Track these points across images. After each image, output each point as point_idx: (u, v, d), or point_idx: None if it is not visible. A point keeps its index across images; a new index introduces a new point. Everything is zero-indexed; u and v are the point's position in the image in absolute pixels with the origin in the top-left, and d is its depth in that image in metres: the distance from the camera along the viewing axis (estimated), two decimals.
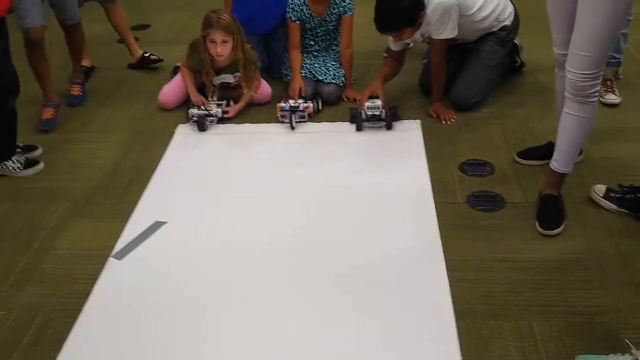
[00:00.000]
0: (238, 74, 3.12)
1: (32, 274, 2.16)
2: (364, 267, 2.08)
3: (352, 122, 2.94)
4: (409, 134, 2.87)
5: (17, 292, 2.08)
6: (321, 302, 1.95)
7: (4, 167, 2.71)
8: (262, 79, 3.23)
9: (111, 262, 2.17)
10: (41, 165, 2.78)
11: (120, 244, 2.25)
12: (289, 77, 3.26)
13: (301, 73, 3.19)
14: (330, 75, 3.19)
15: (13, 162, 2.72)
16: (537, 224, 2.21)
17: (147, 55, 3.71)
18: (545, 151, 2.40)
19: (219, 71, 3.13)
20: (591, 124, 2.18)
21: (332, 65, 3.23)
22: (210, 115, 3.02)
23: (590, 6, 1.93)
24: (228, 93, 3.17)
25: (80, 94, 3.35)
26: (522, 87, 3.23)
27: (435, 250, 2.13)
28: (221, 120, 3.05)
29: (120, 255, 2.19)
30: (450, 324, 1.83)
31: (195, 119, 2.99)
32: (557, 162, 2.25)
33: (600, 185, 2.30)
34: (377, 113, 2.87)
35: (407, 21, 2.73)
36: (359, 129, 2.89)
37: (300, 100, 3.01)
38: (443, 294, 1.94)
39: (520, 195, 2.40)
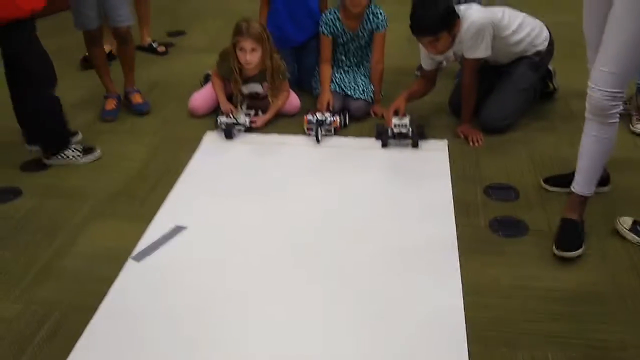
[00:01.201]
0: (266, 84, 3.14)
1: (52, 271, 2.19)
2: (379, 282, 2.07)
3: (378, 138, 2.93)
4: (435, 154, 2.85)
5: (36, 287, 2.12)
6: (339, 313, 1.95)
7: (65, 156, 2.83)
8: (291, 90, 3.25)
9: (130, 263, 2.19)
10: (99, 152, 2.91)
11: (140, 246, 2.27)
12: (318, 90, 3.27)
13: (330, 87, 3.20)
14: (359, 90, 3.19)
15: (72, 150, 2.85)
16: (553, 246, 2.17)
17: (154, 45, 4.09)
18: (571, 178, 2.36)
19: (247, 80, 3.15)
20: (611, 146, 2.15)
21: (362, 80, 3.24)
22: (238, 124, 3.05)
23: (618, 23, 1.94)
24: (257, 103, 3.20)
25: (142, 101, 3.38)
26: (553, 113, 3.19)
27: (453, 272, 2.10)
28: (249, 130, 3.08)
29: (139, 257, 2.21)
30: (462, 349, 1.80)
31: (223, 127, 3.03)
32: (578, 185, 2.22)
33: (626, 217, 2.26)
34: (404, 131, 2.86)
35: (444, 24, 2.73)
36: (384, 145, 2.88)
37: (328, 114, 3.03)
38: (457, 317, 1.92)
39: (543, 223, 2.36)
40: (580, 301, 1.99)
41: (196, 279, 2.11)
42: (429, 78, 3.06)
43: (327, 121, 3.00)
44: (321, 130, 2.97)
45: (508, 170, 2.72)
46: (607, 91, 2.02)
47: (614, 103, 2.04)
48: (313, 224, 2.38)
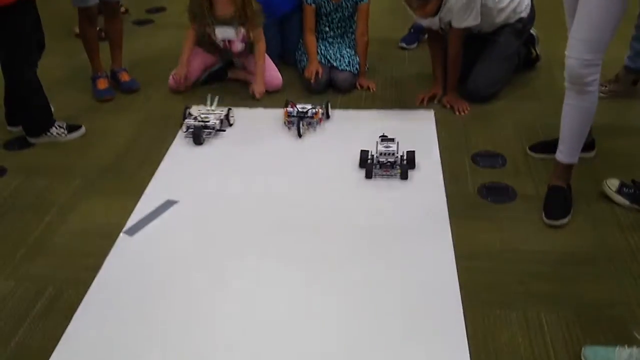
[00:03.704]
0: (240, 30, 3.09)
1: (43, 247, 2.18)
2: (372, 251, 2.09)
3: (361, 166, 2.53)
4: (422, 123, 2.87)
5: (27, 263, 2.10)
6: (330, 278, 1.97)
7: (50, 134, 2.81)
8: (274, 67, 3.23)
9: (122, 238, 2.18)
10: (83, 129, 2.89)
11: (131, 221, 2.26)
12: (303, 63, 3.26)
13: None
14: (345, 62, 3.18)
15: (57, 128, 2.83)
16: (543, 214, 2.21)
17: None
18: (556, 144, 2.39)
19: (219, 21, 3.08)
20: (591, 114, 2.18)
21: (347, 52, 3.23)
22: (207, 127, 2.78)
23: None
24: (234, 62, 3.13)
25: (129, 79, 3.33)
26: (537, 81, 3.22)
27: (445, 238, 2.13)
28: (219, 132, 2.82)
29: (131, 232, 2.20)
30: (457, 312, 1.83)
31: (191, 130, 2.76)
32: (562, 153, 2.25)
33: (613, 179, 2.29)
34: (391, 160, 2.49)
35: None
36: (368, 176, 2.47)
37: (309, 106, 2.85)
38: (451, 281, 1.94)
39: (531, 188, 2.39)
40: (570, 263, 2.03)
41: (189, 252, 2.11)
42: (436, 37, 3.02)
43: (309, 114, 2.83)
44: (303, 124, 2.79)
45: (494, 138, 2.74)
46: (581, 59, 2.04)
47: (589, 71, 2.06)
48: (302, 196, 2.39)
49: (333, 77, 3.17)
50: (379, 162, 2.47)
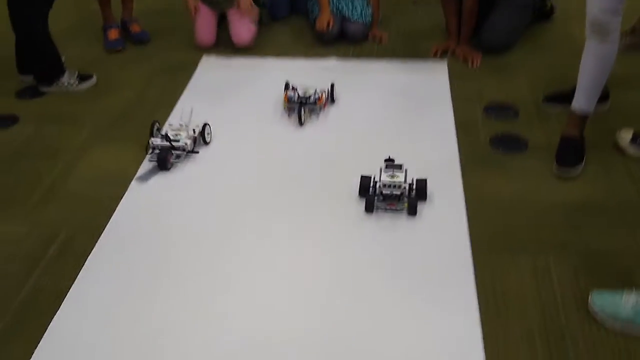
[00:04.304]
0: None
1: (55, 194, 2.20)
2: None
3: (361, 195, 2.09)
4: (435, 75, 2.84)
5: (40, 210, 2.13)
6: (341, 226, 1.98)
7: (60, 83, 2.80)
8: (249, 21, 3.13)
9: (134, 185, 2.20)
10: (94, 79, 2.89)
11: (142, 169, 2.27)
12: (315, 13, 3.22)
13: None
14: (357, 12, 3.14)
15: (68, 77, 2.83)
16: (554, 163, 2.20)
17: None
18: (571, 95, 2.37)
19: None
20: (611, 63, 2.15)
21: (359, 2, 3.18)
22: (175, 148, 2.29)
23: None
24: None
25: (140, 30, 3.31)
26: (552, 34, 3.17)
27: (455, 186, 2.13)
28: (191, 152, 2.34)
29: (143, 179, 2.22)
30: (466, 258, 1.84)
31: (157, 152, 2.28)
32: (578, 102, 2.23)
33: (626, 130, 2.27)
34: (396, 192, 2.03)
35: None
36: (369, 209, 2.03)
37: (311, 90, 2.57)
38: (460, 228, 1.95)
39: (543, 139, 2.38)
40: (581, 212, 2.02)
41: (202, 198, 2.13)
42: None
43: (311, 99, 2.54)
44: (305, 110, 2.52)
45: (507, 90, 2.72)
46: (603, 8, 2.00)
47: (613, 19, 2.02)
48: (321, 146, 2.39)
49: (345, 28, 3.13)
50: (382, 193, 2.05)
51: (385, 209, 2.02)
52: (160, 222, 2.04)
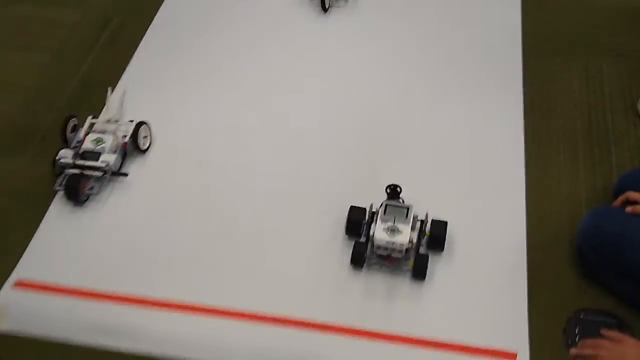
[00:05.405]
0: None
1: None
2: (435, 21, 1.99)
3: (350, 236, 1.44)
4: None
5: None
6: (401, 75, 1.85)
7: None
8: None
9: None
10: None
11: None
12: None
13: None
14: None
15: None
16: None
17: None
18: None
19: None
20: None
21: None
22: (94, 167, 1.50)
23: None
24: None
25: None
26: None
27: None
28: (116, 174, 1.56)
29: None
30: (516, 60, 1.81)
31: (66, 175, 1.50)
32: None
33: None
34: (399, 255, 1.35)
35: None
36: (358, 266, 1.40)
37: None
38: (514, 30, 1.90)
39: None
40: None
41: None
42: None
43: None
44: None
45: None
46: None
47: None
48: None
49: None
50: (376, 254, 1.37)
51: (382, 265, 1.40)
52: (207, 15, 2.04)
